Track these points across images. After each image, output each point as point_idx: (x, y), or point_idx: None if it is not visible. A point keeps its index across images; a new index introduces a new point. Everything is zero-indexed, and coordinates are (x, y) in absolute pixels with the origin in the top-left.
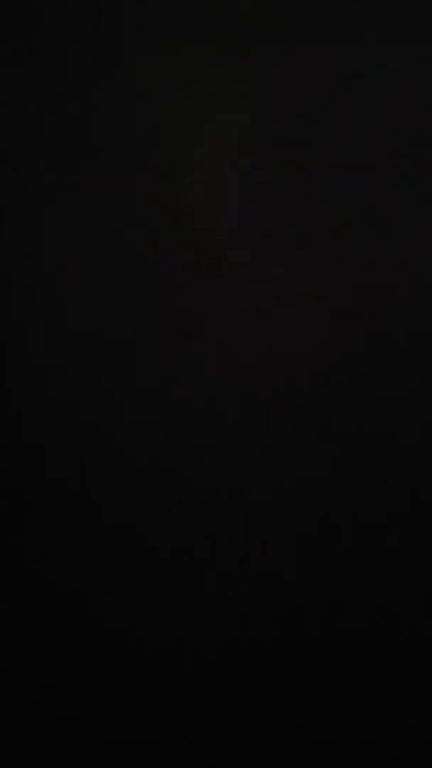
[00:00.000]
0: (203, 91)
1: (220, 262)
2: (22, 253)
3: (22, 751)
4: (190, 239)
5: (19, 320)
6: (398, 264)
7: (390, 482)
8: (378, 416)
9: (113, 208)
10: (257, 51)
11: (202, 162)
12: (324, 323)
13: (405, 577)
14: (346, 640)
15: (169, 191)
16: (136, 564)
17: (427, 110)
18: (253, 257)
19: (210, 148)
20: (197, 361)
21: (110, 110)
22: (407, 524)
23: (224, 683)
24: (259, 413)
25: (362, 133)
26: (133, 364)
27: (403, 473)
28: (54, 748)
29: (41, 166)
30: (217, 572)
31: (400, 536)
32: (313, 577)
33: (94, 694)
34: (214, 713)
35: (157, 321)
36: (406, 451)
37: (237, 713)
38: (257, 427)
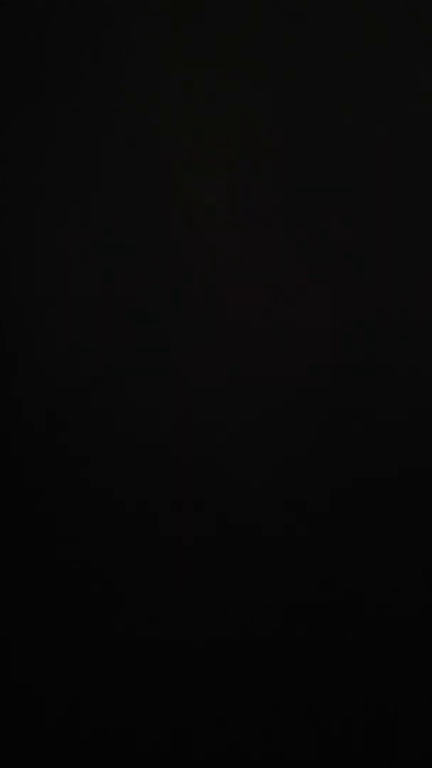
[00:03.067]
0: (205, 104)
1: (223, 273)
2: (26, 252)
3: (22, 726)
4: (192, 252)
5: (22, 331)
6: (403, 276)
7: (392, 495)
8: (380, 424)
9: (114, 220)
10: (259, 60)
11: (204, 177)
12: (328, 335)
13: (407, 593)
14: (346, 641)
15: (170, 206)
16: (138, 550)
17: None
18: (256, 270)
19: (212, 160)
20: (197, 374)
21: (108, 122)
22: (408, 532)
23: (228, 667)
24: (262, 425)
25: (366, 143)
26: (133, 376)
27: (405, 487)
28: (52, 730)
29: (44, 171)
30: (215, 566)
31: (401, 544)
32: (314, 576)
33: (94, 679)
34: (218, 701)
35: (157, 332)
36: (409, 465)
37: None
38: (260, 440)
